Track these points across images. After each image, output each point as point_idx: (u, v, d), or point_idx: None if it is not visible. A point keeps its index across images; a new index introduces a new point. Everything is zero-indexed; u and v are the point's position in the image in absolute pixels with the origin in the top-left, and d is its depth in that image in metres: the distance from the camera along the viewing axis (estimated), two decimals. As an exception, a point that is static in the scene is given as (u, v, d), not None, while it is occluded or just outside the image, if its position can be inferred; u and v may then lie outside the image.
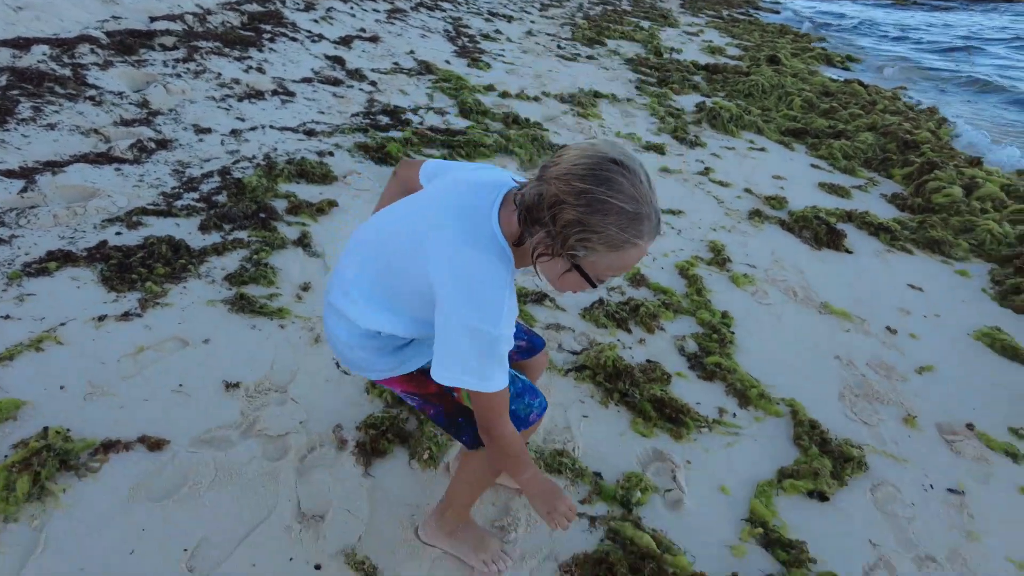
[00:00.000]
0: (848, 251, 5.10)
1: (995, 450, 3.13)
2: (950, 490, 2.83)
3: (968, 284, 5.03)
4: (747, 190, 6.00)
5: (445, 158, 5.08)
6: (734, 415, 2.95)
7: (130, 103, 4.76)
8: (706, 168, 6.32)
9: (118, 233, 3.28)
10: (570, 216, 1.24)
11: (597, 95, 8.17)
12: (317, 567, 1.90)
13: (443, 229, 1.41)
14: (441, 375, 1.38)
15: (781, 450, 2.82)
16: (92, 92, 4.68)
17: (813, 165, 7.23)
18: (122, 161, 4.00)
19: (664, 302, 3.70)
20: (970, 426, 3.28)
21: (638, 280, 3.92)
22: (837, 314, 4.08)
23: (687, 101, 8.93)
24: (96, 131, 4.23)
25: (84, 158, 3.92)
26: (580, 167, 1.24)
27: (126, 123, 4.46)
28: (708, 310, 3.73)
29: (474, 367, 1.35)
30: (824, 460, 2.73)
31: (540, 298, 3.52)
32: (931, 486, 2.83)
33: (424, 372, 1.66)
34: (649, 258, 4.31)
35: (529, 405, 1.76)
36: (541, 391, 1.92)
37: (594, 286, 1.36)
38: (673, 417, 2.78)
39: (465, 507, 1.97)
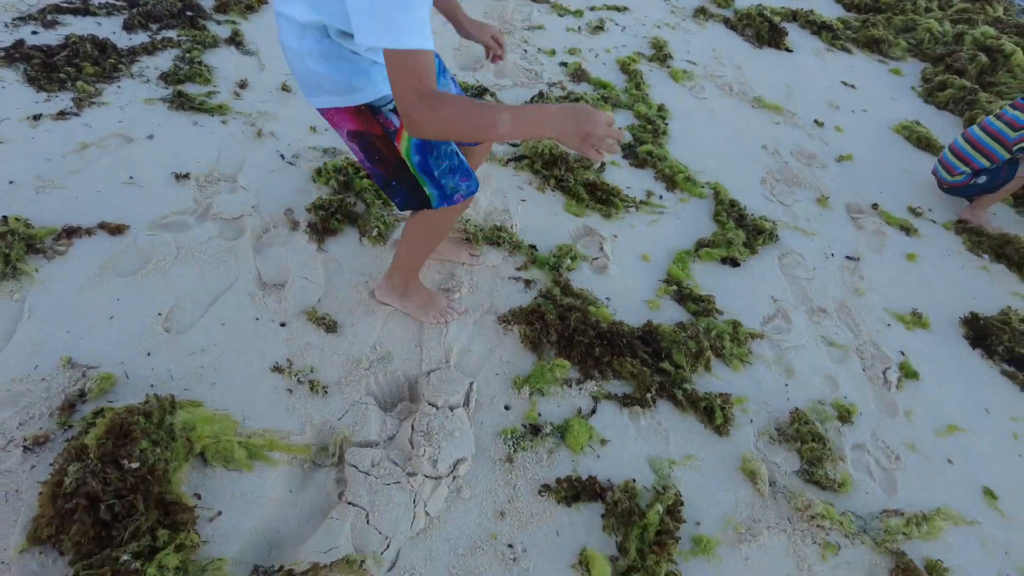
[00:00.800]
0: (788, 49, 5.15)
1: (892, 225, 3.50)
2: (848, 257, 3.21)
3: (900, 82, 5.20)
4: (695, -13, 5.84)
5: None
6: (660, 197, 3.20)
7: None
8: (656, -36, 6.07)
9: (34, 32, 3.12)
10: None
11: None
12: (282, 324, 2.15)
13: None
14: (360, 37, 1.30)
15: (701, 226, 3.11)
16: None
17: (766, -39, 6.97)
18: (23, -45, 3.67)
19: (603, 96, 3.79)
20: (875, 206, 3.62)
21: (579, 75, 3.96)
22: (769, 108, 4.25)
23: None
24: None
25: (-21, -49, 3.58)
26: None
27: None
28: (646, 103, 3.84)
29: (384, 15, 1.25)
30: (739, 232, 3.04)
31: (481, 92, 3.56)
32: (832, 254, 3.19)
33: (371, 107, 1.63)
34: (591, 54, 4.32)
35: (457, 186, 1.81)
36: (479, 179, 1.96)
37: None
38: (604, 199, 3.00)
39: (411, 270, 2.18)
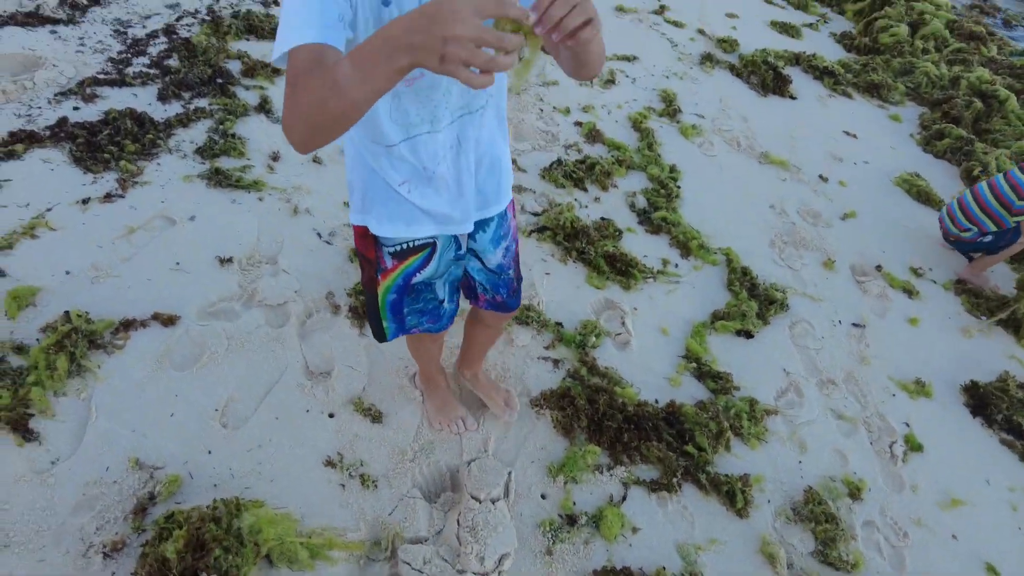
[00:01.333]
0: (792, 97, 5.31)
1: (895, 287, 3.66)
2: (854, 324, 3.36)
3: (899, 129, 5.36)
4: (700, 31, 6.00)
5: None
6: (676, 265, 3.34)
7: (46, -54, 4.35)
8: (661, 6, 6.23)
9: (76, 108, 3.24)
10: None
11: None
12: (331, 415, 2.28)
13: None
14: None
15: (715, 295, 3.26)
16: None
17: (767, 0, 7.15)
18: (55, 21, 3.79)
19: (618, 159, 3.93)
20: (879, 267, 3.78)
21: (594, 136, 4.11)
22: (775, 163, 4.40)
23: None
24: (19, -16, 3.94)
25: (12, 19, 3.70)
26: None
27: (48, -28, 4.13)
28: (658, 165, 3.99)
29: (280, 33, 1.11)
30: (751, 303, 3.18)
31: (502, 160, 3.70)
32: (839, 321, 3.34)
33: (376, 238, 1.61)
34: (604, 111, 4.46)
35: (419, 323, 1.82)
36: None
37: None
38: (623, 270, 3.15)
39: (422, 377, 2.34)
